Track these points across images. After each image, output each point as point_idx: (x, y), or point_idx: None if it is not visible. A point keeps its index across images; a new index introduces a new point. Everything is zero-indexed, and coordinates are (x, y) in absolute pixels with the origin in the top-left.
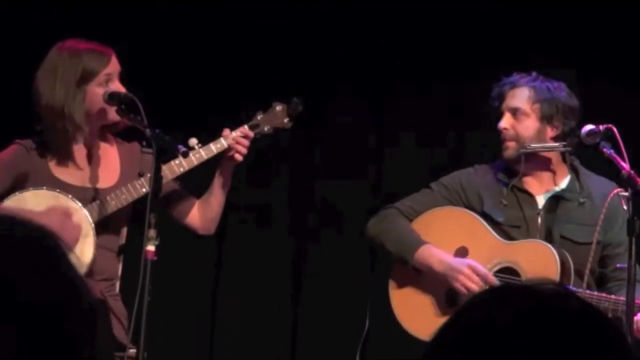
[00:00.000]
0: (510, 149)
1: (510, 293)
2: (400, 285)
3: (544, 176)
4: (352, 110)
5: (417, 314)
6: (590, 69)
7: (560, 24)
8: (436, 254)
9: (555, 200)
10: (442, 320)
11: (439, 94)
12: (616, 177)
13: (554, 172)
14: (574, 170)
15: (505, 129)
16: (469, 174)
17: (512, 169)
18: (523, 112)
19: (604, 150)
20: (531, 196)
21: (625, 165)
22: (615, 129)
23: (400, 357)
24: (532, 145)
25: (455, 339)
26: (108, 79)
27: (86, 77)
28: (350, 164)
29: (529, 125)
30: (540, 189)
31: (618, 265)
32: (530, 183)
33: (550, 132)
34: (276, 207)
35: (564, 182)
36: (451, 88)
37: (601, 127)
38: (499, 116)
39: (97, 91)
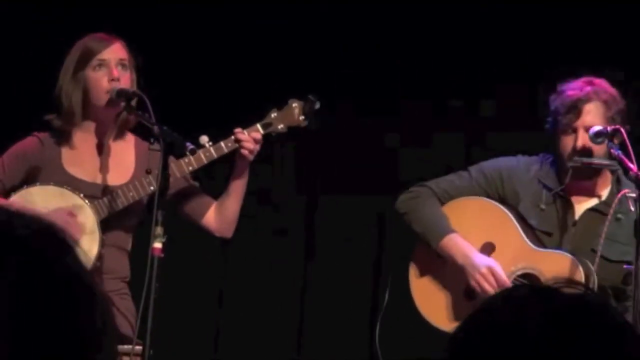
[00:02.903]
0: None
1: (535, 295)
2: (422, 269)
3: (587, 186)
4: (352, 111)
5: (435, 301)
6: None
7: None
8: (461, 246)
9: (592, 212)
10: (458, 312)
11: (440, 95)
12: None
13: (597, 183)
14: (617, 183)
15: (582, 148)
16: (511, 167)
17: (559, 176)
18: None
19: (612, 151)
20: (571, 205)
21: (633, 167)
22: (623, 130)
23: (414, 337)
24: (583, 159)
25: (476, 341)
26: (101, 64)
27: (82, 62)
28: (354, 164)
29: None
30: (581, 199)
31: (625, 266)
32: (572, 191)
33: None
34: (282, 204)
35: (604, 194)
36: (453, 89)
37: (609, 128)
38: (568, 130)
39: (90, 75)
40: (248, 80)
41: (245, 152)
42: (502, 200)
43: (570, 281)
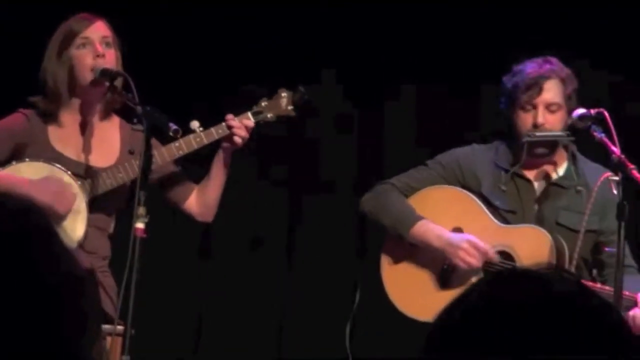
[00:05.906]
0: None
1: (513, 279)
2: (393, 261)
3: (543, 162)
4: (349, 105)
5: (409, 292)
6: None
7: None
8: (433, 229)
9: (552, 187)
10: (434, 299)
11: (439, 94)
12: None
13: (553, 159)
14: (572, 157)
15: (542, 124)
16: (467, 154)
17: (515, 155)
18: (559, 106)
19: (595, 134)
20: (529, 182)
21: (616, 150)
22: (606, 113)
23: (388, 334)
24: (537, 134)
25: (458, 324)
26: (85, 42)
27: (66, 42)
28: (345, 156)
29: (561, 118)
30: (539, 176)
31: (606, 249)
32: (529, 169)
33: (568, 120)
34: (266, 187)
35: (561, 169)
36: (451, 87)
37: (592, 111)
38: (527, 107)
39: (75, 53)
40: (239, 68)
41: (237, 139)
42: (464, 187)
43: (549, 265)
